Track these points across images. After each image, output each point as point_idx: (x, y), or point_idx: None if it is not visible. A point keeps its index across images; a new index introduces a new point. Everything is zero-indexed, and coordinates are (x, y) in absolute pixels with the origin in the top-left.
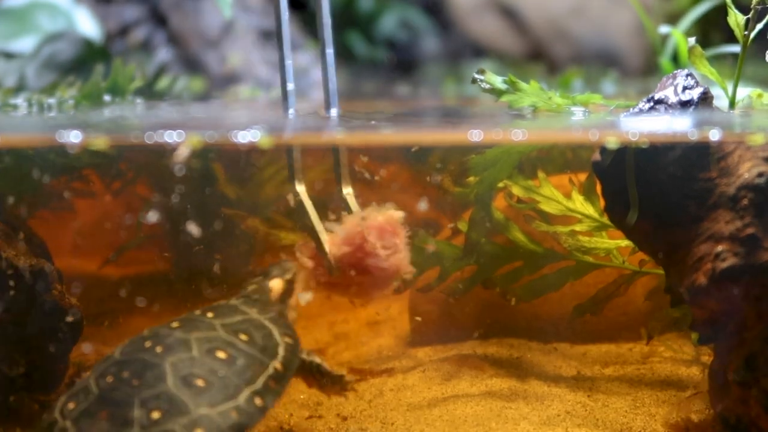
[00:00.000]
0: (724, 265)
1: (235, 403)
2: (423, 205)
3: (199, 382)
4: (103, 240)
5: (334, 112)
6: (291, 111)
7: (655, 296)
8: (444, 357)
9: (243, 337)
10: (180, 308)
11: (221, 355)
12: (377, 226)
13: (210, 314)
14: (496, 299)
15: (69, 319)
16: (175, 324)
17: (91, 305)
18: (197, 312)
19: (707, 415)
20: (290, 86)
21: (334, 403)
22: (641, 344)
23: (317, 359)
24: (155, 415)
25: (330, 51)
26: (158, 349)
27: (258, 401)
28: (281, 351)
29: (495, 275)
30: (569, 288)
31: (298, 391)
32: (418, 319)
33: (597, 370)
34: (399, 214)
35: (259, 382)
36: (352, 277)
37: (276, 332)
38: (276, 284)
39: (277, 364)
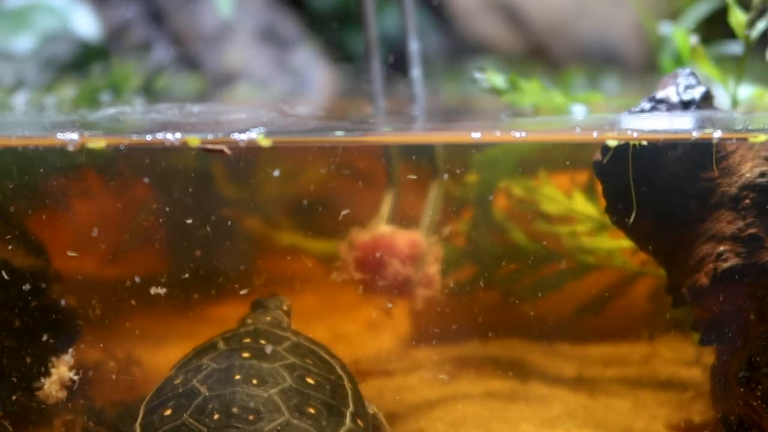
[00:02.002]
0: (726, 265)
1: (347, 428)
2: None
3: (311, 410)
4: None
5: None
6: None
7: (657, 297)
8: (444, 357)
9: (308, 361)
10: (180, 308)
11: (311, 381)
12: (390, 244)
13: (263, 341)
14: (496, 300)
15: (67, 319)
16: (245, 354)
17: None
18: (238, 339)
19: (709, 417)
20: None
21: None
22: (643, 345)
23: (376, 410)
24: None
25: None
26: (254, 381)
27: (360, 422)
28: (339, 370)
29: (496, 276)
30: (570, 289)
31: None
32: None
33: (598, 371)
34: (421, 237)
35: (351, 404)
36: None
37: (323, 352)
38: (287, 312)
39: (346, 383)
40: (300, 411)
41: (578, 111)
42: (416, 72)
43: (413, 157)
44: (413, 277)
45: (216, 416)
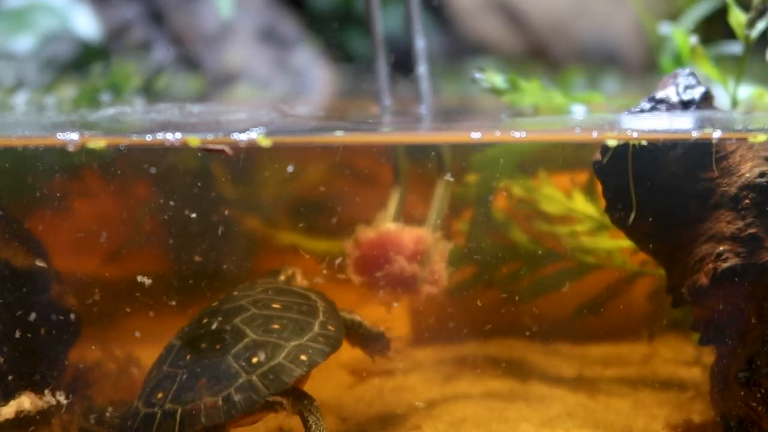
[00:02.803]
0: (726, 265)
1: (314, 332)
2: None
3: (276, 326)
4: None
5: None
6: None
7: (657, 297)
8: (444, 357)
9: (283, 297)
10: (181, 307)
11: (276, 306)
12: (395, 240)
13: (236, 292)
14: (496, 300)
15: (68, 319)
16: (214, 304)
17: (91, 305)
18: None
19: (709, 416)
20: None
21: (335, 404)
22: (642, 345)
23: (358, 317)
24: (255, 359)
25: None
26: (220, 319)
27: (330, 328)
28: (317, 300)
29: (496, 276)
30: (570, 289)
31: None
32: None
33: (598, 371)
34: (426, 234)
35: (321, 315)
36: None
37: (310, 293)
38: (295, 274)
39: (319, 304)
40: (264, 329)
41: (578, 111)
42: (422, 69)
43: (420, 156)
44: (419, 275)
45: (188, 356)
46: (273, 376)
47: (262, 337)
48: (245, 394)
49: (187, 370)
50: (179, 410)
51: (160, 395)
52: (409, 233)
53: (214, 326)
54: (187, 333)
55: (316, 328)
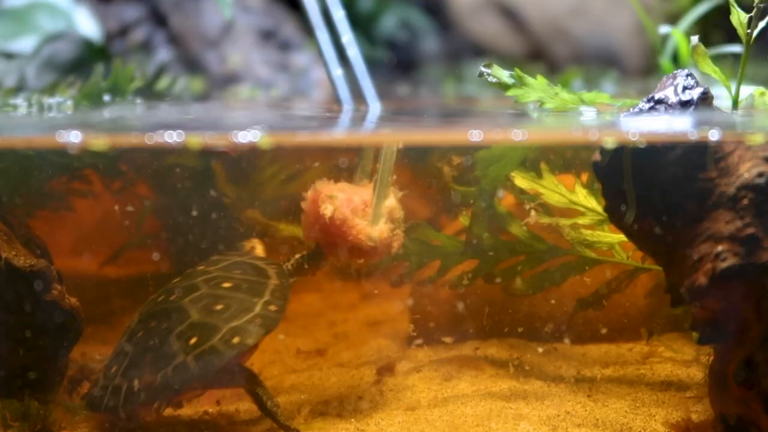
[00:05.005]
0: (724, 265)
1: (254, 313)
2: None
3: (219, 307)
4: (102, 240)
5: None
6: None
7: (656, 296)
8: (444, 357)
9: (238, 272)
10: None
11: (227, 284)
12: (339, 200)
13: (201, 267)
14: (496, 298)
15: (69, 319)
16: (176, 280)
17: (91, 305)
18: (189, 270)
19: (707, 416)
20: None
21: (335, 404)
22: (641, 344)
23: (294, 258)
24: (193, 340)
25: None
26: (173, 297)
27: (272, 307)
28: (272, 272)
29: (496, 270)
30: (570, 287)
31: (299, 390)
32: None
33: (597, 370)
34: (366, 194)
35: (267, 294)
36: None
37: (262, 263)
38: (252, 244)
39: (274, 280)
40: (207, 309)
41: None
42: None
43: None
44: (364, 232)
45: (140, 334)
46: (206, 357)
47: (204, 318)
48: (179, 374)
49: (137, 347)
50: (125, 386)
51: (114, 369)
52: (354, 192)
53: (167, 304)
54: (145, 309)
55: (258, 308)
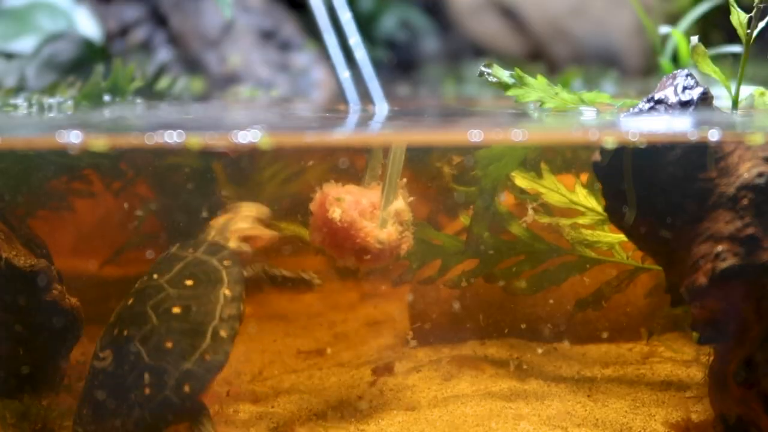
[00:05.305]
0: (724, 265)
1: (204, 345)
2: None
3: (168, 344)
4: (103, 240)
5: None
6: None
7: (656, 296)
8: (444, 357)
9: (189, 282)
10: None
11: (176, 310)
12: (346, 203)
13: (155, 275)
14: (495, 298)
15: (69, 319)
16: (130, 300)
17: (91, 305)
18: (145, 278)
19: (707, 416)
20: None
21: (335, 403)
22: (641, 344)
23: (276, 271)
24: (147, 390)
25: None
26: (125, 333)
27: (223, 333)
28: (225, 276)
29: (496, 269)
30: (569, 287)
31: (299, 390)
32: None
33: (597, 370)
34: (374, 196)
35: (216, 315)
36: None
37: (215, 260)
38: (215, 222)
39: (225, 290)
40: (158, 349)
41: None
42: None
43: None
44: (372, 235)
45: (107, 365)
46: (160, 410)
47: (154, 361)
48: (139, 428)
49: (99, 383)
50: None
51: (85, 411)
52: (362, 194)
53: (122, 338)
54: (103, 339)
55: (207, 339)
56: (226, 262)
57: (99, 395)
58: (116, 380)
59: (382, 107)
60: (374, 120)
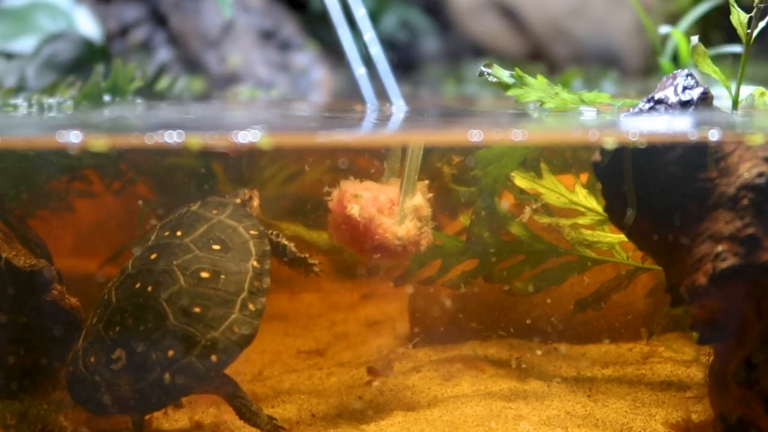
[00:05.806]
0: (724, 265)
1: (233, 317)
2: None
3: (197, 309)
4: (103, 240)
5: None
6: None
7: (656, 296)
8: (444, 357)
9: (216, 247)
10: None
11: (205, 275)
12: (366, 198)
13: (179, 233)
14: (495, 299)
15: (69, 319)
16: (153, 255)
17: (91, 305)
18: (166, 233)
19: (707, 416)
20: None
21: (336, 403)
22: (641, 344)
23: (285, 241)
24: (171, 352)
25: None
26: (149, 289)
27: (251, 306)
28: (252, 247)
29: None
30: (569, 288)
31: (299, 390)
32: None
33: (597, 370)
34: (393, 192)
35: (246, 288)
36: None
37: (242, 228)
38: (252, 199)
39: (254, 262)
40: (185, 313)
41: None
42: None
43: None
44: (392, 231)
45: (117, 328)
46: (184, 376)
47: (181, 323)
48: (157, 393)
49: (113, 344)
50: (101, 392)
51: (92, 359)
52: (381, 190)
53: (142, 295)
54: (120, 290)
55: (236, 312)
56: (252, 232)
57: (109, 343)
58: (133, 335)
59: (399, 105)
60: (399, 120)
